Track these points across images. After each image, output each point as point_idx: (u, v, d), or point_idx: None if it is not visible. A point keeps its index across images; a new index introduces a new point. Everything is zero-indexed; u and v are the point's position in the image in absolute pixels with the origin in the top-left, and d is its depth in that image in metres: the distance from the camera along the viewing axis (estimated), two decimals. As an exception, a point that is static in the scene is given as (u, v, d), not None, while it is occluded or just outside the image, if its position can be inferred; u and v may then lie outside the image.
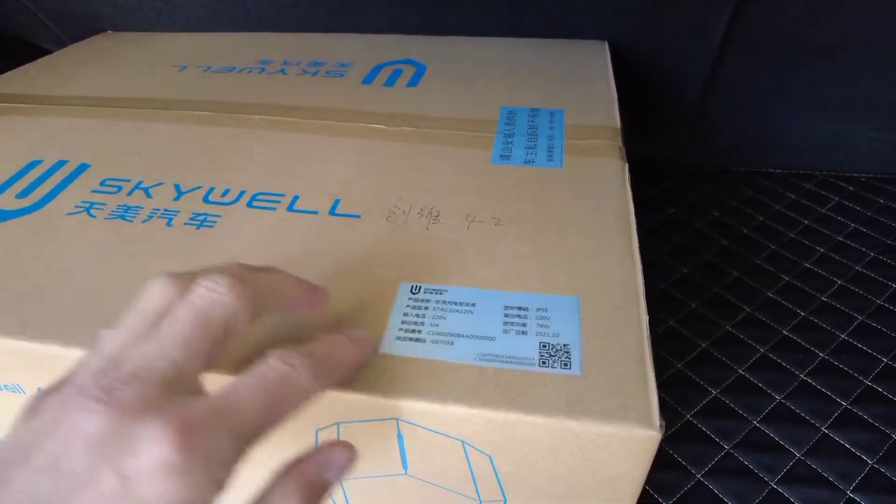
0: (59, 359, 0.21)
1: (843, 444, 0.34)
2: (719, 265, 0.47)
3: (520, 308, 0.21)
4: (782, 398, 0.37)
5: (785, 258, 0.48)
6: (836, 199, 0.54)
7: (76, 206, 0.28)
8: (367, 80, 0.38)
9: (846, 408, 0.36)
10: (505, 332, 0.20)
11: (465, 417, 0.18)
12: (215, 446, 0.13)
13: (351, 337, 0.18)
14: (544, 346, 0.20)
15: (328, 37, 0.46)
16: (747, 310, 0.43)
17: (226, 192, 0.28)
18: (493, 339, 0.20)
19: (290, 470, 0.16)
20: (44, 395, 0.15)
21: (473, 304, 0.21)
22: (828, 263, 0.47)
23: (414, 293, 0.22)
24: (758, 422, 0.35)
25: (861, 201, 0.53)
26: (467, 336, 0.20)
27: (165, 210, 0.27)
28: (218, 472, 0.13)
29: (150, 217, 0.27)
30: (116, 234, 0.26)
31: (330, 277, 0.23)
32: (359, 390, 0.18)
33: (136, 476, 0.12)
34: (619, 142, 0.31)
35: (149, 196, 0.28)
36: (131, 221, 0.27)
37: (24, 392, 0.23)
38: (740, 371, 0.39)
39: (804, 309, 0.43)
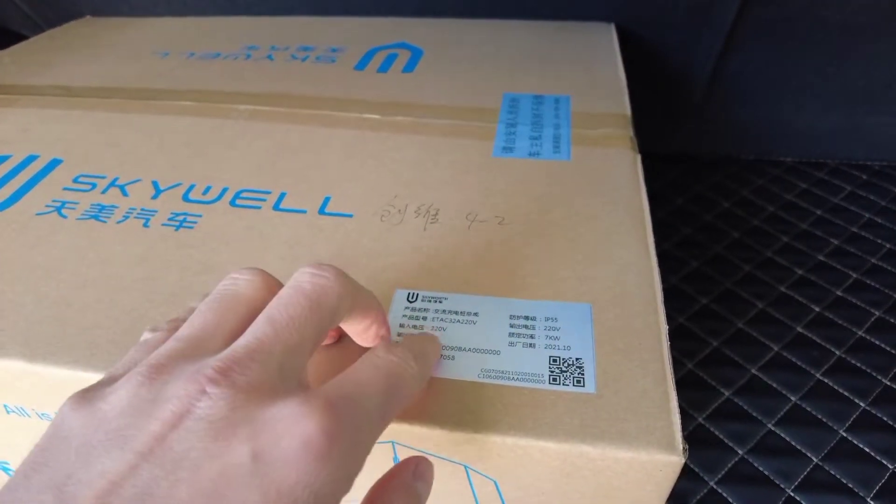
0: (24, 375, 0.19)
1: (863, 448, 0.32)
2: (730, 258, 0.45)
3: (527, 317, 0.19)
4: (798, 399, 0.35)
5: (798, 250, 0.46)
6: (850, 188, 0.52)
7: (46, 206, 0.26)
8: (360, 65, 0.36)
9: (865, 409, 0.34)
10: (511, 344, 0.18)
11: (467, 441, 0.16)
12: (354, 432, 0.12)
13: (429, 334, 0.18)
14: (554, 360, 0.18)
15: (318, 20, 0.43)
16: (760, 306, 0.41)
17: (207, 190, 0.26)
18: (497, 352, 0.18)
19: (391, 480, 0.15)
20: (99, 388, 0.13)
21: (476, 314, 0.19)
22: (842, 256, 0.45)
23: (411, 301, 0.20)
24: (772, 425, 0.34)
25: (875, 190, 0.51)
26: (470, 350, 0.18)
27: (142, 210, 0.25)
28: (356, 460, 0.13)
29: (126, 217, 0.25)
30: (89, 237, 0.24)
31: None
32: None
33: (273, 460, 0.11)
34: (630, 131, 0.29)
35: (125, 194, 0.26)
36: (105, 222, 0.25)
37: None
38: (753, 371, 0.37)
39: (819, 304, 0.41)
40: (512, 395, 0.17)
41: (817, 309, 0.41)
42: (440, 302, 0.20)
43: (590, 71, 0.34)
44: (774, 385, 0.36)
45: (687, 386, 0.36)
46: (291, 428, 0.11)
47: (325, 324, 0.14)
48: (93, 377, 0.18)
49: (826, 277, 0.43)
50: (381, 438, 0.17)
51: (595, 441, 0.16)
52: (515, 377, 0.17)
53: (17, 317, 0.20)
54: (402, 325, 0.19)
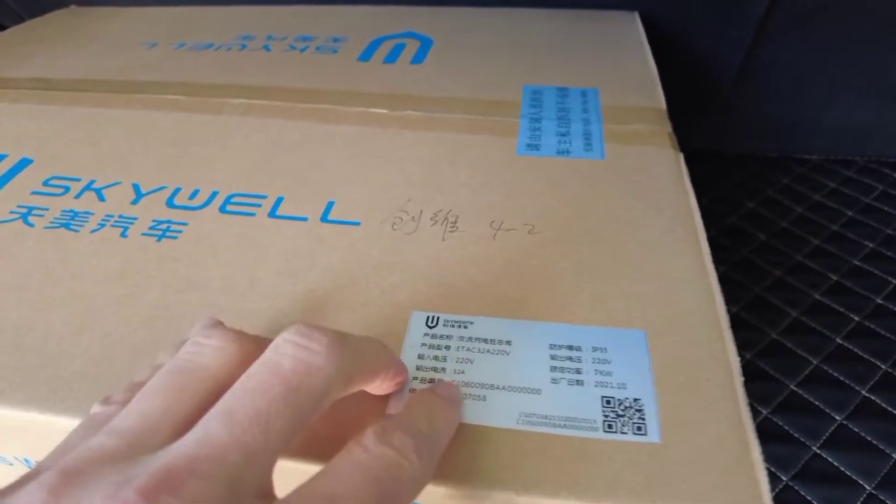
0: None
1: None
2: (759, 263, 0.43)
3: (570, 347, 0.16)
4: (843, 419, 0.32)
5: (830, 254, 0.43)
6: (881, 187, 0.49)
7: (11, 213, 0.23)
8: (364, 56, 0.33)
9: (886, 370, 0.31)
10: (554, 381, 0.15)
11: (506, 505, 0.14)
12: None
13: (445, 396, 0.14)
14: (608, 401, 0.15)
15: (318, 9, 0.40)
16: (793, 314, 0.39)
17: (194, 194, 0.23)
18: (538, 392, 0.15)
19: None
20: (11, 490, 0.10)
21: (509, 342, 0.16)
22: (878, 260, 0.42)
23: (430, 326, 0.17)
24: (818, 448, 0.31)
25: (910, 189, 0.49)
26: (504, 388, 0.15)
27: (120, 217, 0.22)
28: None
29: (102, 226, 0.22)
30: (58, 248, 0.21)
31: (321, 305, 0.18)
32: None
33: None
34: (668, 127, 0.26)
35: (101, 199, 0.23)
36: (77, 231, 0.22)
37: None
38: (792, 387, 0.34)
39: (858, 313, 0.38)
40: (559, 446, 0.14)
41: (857, 318, 0.38)
42: (465, 327, 0.17)
43: (616, 62, 0.31)
44: (816, 402, 0.33)
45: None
46: None
47: (306, 415, 0.11)
48: (52, 420, 0.15)
49: (863, 283, 0.40)
50: None
51: (665, 503, 0.13)
52: (562, 424, 0.14)
53: (-32, 345, 0.17)
54: (420, 357, 0.16)
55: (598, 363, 0.16)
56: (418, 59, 0.32)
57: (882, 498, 0.28)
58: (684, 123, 0.51)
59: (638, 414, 0.15)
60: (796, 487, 0.29)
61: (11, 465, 0.18)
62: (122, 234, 0.21)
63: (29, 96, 0.31)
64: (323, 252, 0.20)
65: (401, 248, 0.20)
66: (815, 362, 0.36)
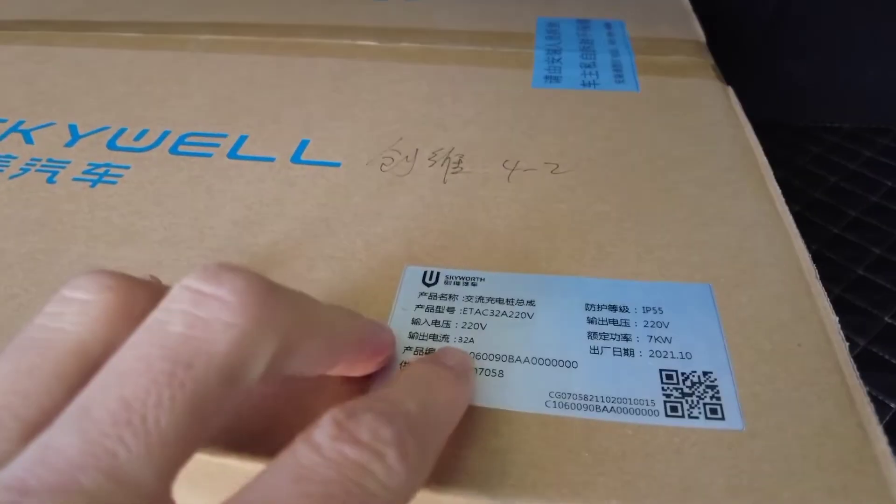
0: None
1: None
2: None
3: (613, 307, 0.12)
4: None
5: (870, 226, 0.39)
6: (921, 155, 0.45)
7: (-81, 158, 0.19)
8: (353, -8, 0.29)
9: None
10: (594, 351, 0.11)
11: (534, 519, 0.10)
12: None
13: (449, 366, 0.10)
14: (669, 376, 0.11)
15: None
16: (836, 291, 0.35)
17: (142, 135, 0.19)
18: (573, 365, 0.11)
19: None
20: None
21: (531, 303, 0.12)
22: (925, 232, 0.38)
23: (429, 283, 0.13)
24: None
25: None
26: (527, 361, 0.11)
27: (49, 161, 0.18)
28: None
29: (25, 171, 0.18)
30: (-32, 197, 0.17)
31: (287, 259, 0.14)
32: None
33: None
34: (710, 59, 0.21)
35: (28, 141, 0.19)
36: (-5, 178, 0.18)
37: None
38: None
39: (906, 289, 0.34)
40: (606, 436, 0.10)
41: (903, 294, 0.34)
42: (474, 284, 0.13)
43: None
44: (868, 388, 0.29)
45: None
46: None
47: (212, 404, 0.07)
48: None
49: (909, 257, 0.36)
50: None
51: (762, 520, 0.09)
52: (609, 407, 0.11)
53: None
54: (415, 323, 0.12)
55: (653, 327, 0.12)
56: (414, -6, 0.28)
57: None
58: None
59: (710, 392, 0.11)
60: None
61: None
62: (49, 180, 0.17)
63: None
64: (293, 197, 0.16)
65: (391, 192, 0.16)
66: (862, 345, 0.32)
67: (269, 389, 0.11)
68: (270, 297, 0.08)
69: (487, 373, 0.11)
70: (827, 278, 0.37)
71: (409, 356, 0.12)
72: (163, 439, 0.07)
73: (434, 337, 0.12)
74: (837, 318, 0.12)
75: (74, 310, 0.08)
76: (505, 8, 0.26)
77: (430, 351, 0.12)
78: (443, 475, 0.10)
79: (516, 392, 0.11)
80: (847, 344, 0.12)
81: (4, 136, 0.19)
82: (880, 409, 0.29)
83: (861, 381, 0.11)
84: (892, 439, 0.10)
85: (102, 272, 0.09)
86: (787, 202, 0.44)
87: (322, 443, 0.07)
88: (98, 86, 0.22)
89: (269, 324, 0.08)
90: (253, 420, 0.10)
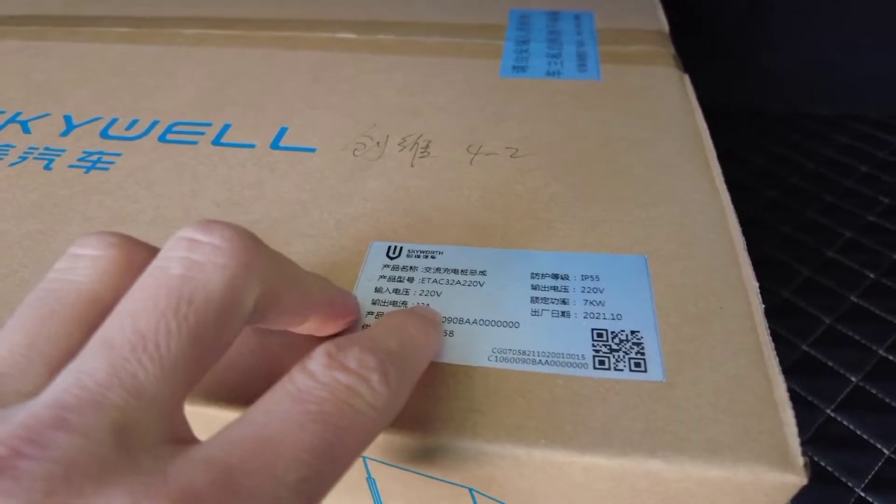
0: None
1: None
2: (768, 221, 0.40)
3: (556, 276, 0.14)
4: (859, 380, 0.30)
5: (844, 210, 0.40)
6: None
7: (-78, 147, 0.20)
8: (335, -14, 0.30)
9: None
10: (535, 313, 0.13)
11: (474, 457, 0.11)
12: None
13: (422, 315, 0.12)
14: (600, 334, 0.12)
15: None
16: (805, 273, 0.36)
17: (132, 124, 0.20)
18: (516, 325, 0.13)
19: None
20: None
21: (483, 272, 0.14)
22: (894, 215, 0.40)
23: (392, 256, 0.14)
24: (831, 411, 0.29)
25: (929, 143, 0.46)
26: (476, 322, 0.13)
27: (46, 149, 0.19)
28: None
29: (23, 159, 0.19)
30: (-30, 183, 0.18)
31: (268, 236, 0.15)
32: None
33: None
34: (671, 48, 0.23)
35: (26, 131, 0.20)
36: (-5, 165, 0.19)
37: None
38: (803, 347, 0.32)
39: (873, 270, 0.36)
40: (540, 386, 0.12)
41: (872, 275, 0.35)
42: (433, 257, 0.14)
43: (614, -13, 0.28)
44: (830, 364, 0.31)
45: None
46: None
47: (211, 332, 0.08)
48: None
49: (879, 239, 0.38)
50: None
51: (669, 453, 0.10)
52: (544, 360, 0.12)
53: None
54: (378, 291, 0.14)
55: (589, 292, 0.13)
56: (394, -13, 0.29)
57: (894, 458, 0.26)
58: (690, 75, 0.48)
59: (636, 348, 0.12)
60: (810, 454, 0.27)
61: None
62: (46, 167, 0.19)
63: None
64: (271, 181, 0.17)
65: (362, 176, 0.17)
66: (828, 322, 0.33)
67: (249, 346, 0.12)
68: (256, 245, 0.09)
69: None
70: (799, 261, 0.38)
71: (371, 320, 0.13)
72: (173, 362, 0.08)
73: (394, 303, 0.13)
74: (758, 285, 0.13)
75: (84, 264, 0.09)
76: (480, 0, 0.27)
77: (390, 316, 0.13)
78: (396, 419, 0.11)
79: (463, 349, 0.12)
80: (763, 307, 0.13)
81: (3, 126, 0.21)
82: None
83: (770, 339, 0.12)
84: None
85: (106, 232, 0.10)
86: (766, 188, 0.45)
87: (316, 370, 0.08)
88: (90, 78, 0.23)
89: (255, 267, 0.09)
90: (234, 376, 0.12)
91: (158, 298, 0.08)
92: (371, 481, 0.12)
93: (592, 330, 0.12)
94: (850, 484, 0.26)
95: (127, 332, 0.08)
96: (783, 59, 0.47)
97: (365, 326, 0.13)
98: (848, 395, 0.29)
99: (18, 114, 0.21)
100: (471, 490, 0.12)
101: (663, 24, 0.24)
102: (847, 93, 0.48)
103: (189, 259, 0.09)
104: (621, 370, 0.12)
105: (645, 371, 0.12)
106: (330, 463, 0.08)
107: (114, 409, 0.07)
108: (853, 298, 0.35)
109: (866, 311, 0.33)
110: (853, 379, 0.30)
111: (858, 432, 0.28)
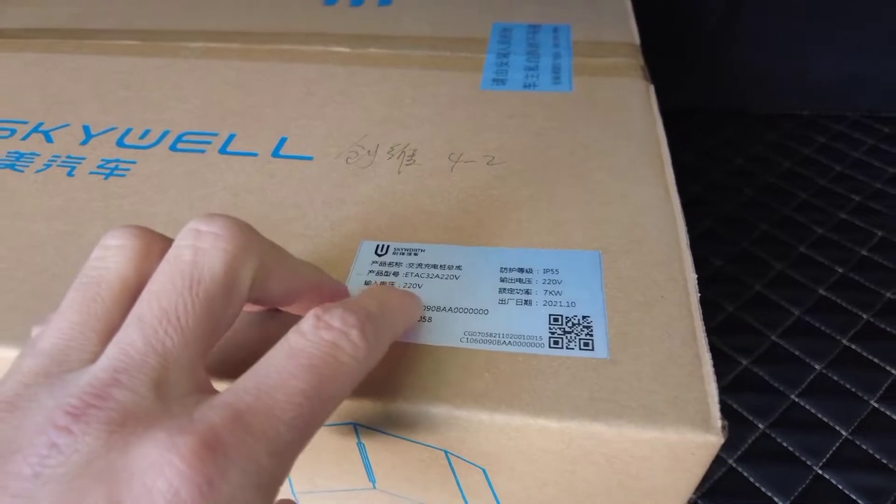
0: None
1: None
2: (745, 217, 0.42)
3: (521, 269, 0.16)
4: (822, 367, 0.32)
5: (817, 208, 0.42)
6: (872, 141, 0.48)
7: (-46, 156, 0.22)
8: (330, 0, 0.31)
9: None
10: (502, 302, 0.15)
11: (446, 422, 0.13)
12: (246, 468, 0.09)
13: (393, 289, 0.14)
14: (556, 319, 0.14)
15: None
16: (778, 267, 0.38)
17: (145, 134, 0.22)
18: (485, 312, 0.15)
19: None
20: None
21: (459, 267, 0.16)
22: (866, 214, 0.42)
23: (380, 254, 0.16)
24: (795, 396, 0.31)
25: (899, 143, 0.48)
26: (451, 309, 0.15)
27: (68, 157, 0.21)
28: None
29: (48, 166, 0.21)
30: (1, 188, 0.20)
31: (269, 236, 0.17)
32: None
33: None
34: (641, 60, 0.24)
35: (49, 140, 0.22)
36: (22, 172, 0.21)
37: None
38: (773, 338, 0.34)
39: (843, 265, 0.38)
40: (503, 362, 0.14)
41: (841, 270, 0.37)
42: (415, 254, 0.16)
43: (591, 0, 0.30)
44: (797, 352, 0.33)
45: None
46: (157, 481, 0.08)
47: (219, 305, 0.11)
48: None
49: (849, 237, 0.40)
50: (338, 419, 0.14)
51: (610, 418, 0.12)
52: (507, 341, 0.14)
53: None
54: (367, 284, 0.16)
55: (549, 283, 0.15)
56: (385, 0, 0.31)
57: (858, 444, 0.28)
58: (665, 77, 0.50)
59: (586, 330, 0.14)
60: (773, 435, 0.29)
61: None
62: (69, 174, 0.21)
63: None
64: (272, 186, 0.19)
65: (354, 181, 0.19)
66: (797, 314, 0.35)
67: (256, 333, 0.14)
68: (250, 232, 0.11)
69: (420, 319, 0.15)
70: (774, 257, 0.41)
71: (361, 309, 0.15)
72: (193, 332, 0.10)
73: (381, 294, 0.15)
74: (696, 276, 0.15)
75: (113, 253, 0.12)
76: (466, 13, 0.29)
77: (377, 305, 0.15)
78: (379, 389, 0.13)
79: (439, 332, 0.14)
80: (699, 295, 0.15)
81: (27, 136, 0.22)
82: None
83: (703, 323, 0.14)
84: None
85: (131, 225, 0.12)
86: (742, 187, 0.47)
87: (306, 330, 0.11)
88: (102, 91, 0.25)
89: (249, 249, 0.11)
90: (244, 355, 0.14)
91: (175, 280, 0.10)
92: (361, 446, 0.14)
93: (550, 315, 0.14)
94: (809, 462, 0.28)
95: (154, 310, 0.10)
96: (762, 60, 0.49)
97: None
98: (812, 380, 0.31)
99: (41, 124, 0.23)
100: (446, 452, 0.14)
101: (634, 35, 0.26)
102: (827, 93, 0.50)
103: (196, 246, 0.11)
104: (572, 349, 0.14)
105: (592, 350, 0.14)
106: (319, 403, 0.10)
107: (152, 370, 0.10)
108: (822, 292, 0.37)
109: (834, 305, 0.35)
110: (817, 367, 0.32)
111: (820, 415, 0.30)
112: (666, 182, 0.18)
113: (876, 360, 0.32)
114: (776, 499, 0.26)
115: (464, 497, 0.16)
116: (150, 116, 0.23)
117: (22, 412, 0.09)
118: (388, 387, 0.13)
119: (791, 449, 0.28)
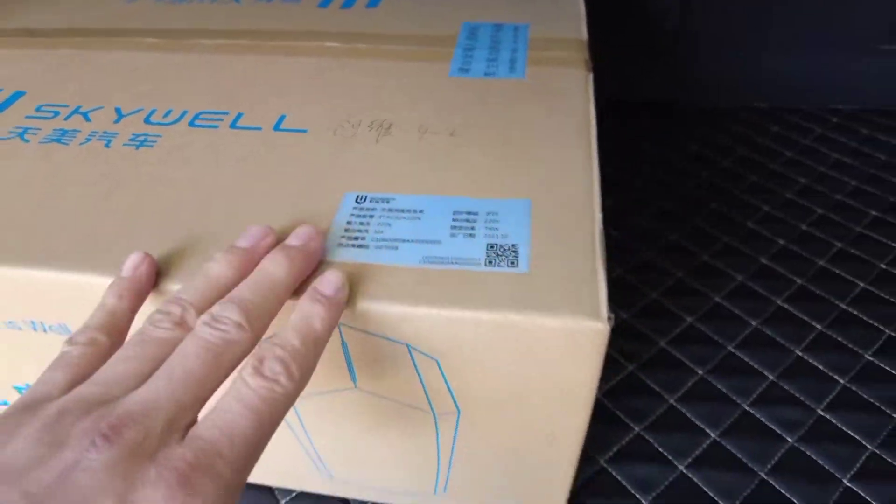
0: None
1: (843, 430, 0.30)
2: (700, 197, 0.46)
3: (469, 213, 0.20)
4: (758, 324, 0.36)
5: (767, 189, 0.47)
6: (820, 130, 0.53)
7: (9, 132, 0.26)
8: (324, 3, 0.36)
9: (821, 331, 0.35)
10: (452, 235, 0.19)
11: (406, 318, 0.17)
12: (215, 480, 0.13)
13: (326, 294, 0.17)
14: (492, 247, 0.19)
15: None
16: (725, 240, 0.42)
17: (168, 114, 0.27)
18: (439, 242, 0.19)
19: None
20: (17, 415, 0.14)
21: (421, 211, 0.20)
22: (809, 195, 0.46)
23: (359, 202, 0.21)
24: (733, 347, 0.35)
25: (846, 133, 0.52)
26: (412, 241, 0.19)
27: (104, 132, 0.26)
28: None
29: (89, 140, 0.25)
30: (51, 158, 0.24)
31: (272, 191, 0.22)
32: (294, 295, 0.17)
33: None
34: (585, 54, 0.29)
35: (87, 120, 0.27)
36: (67, 145, 0.25)
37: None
38: (717, 299, 0.38)
39: (785, 238, 0.42)
40: (449, 276, 0.18)
41: (782, 242, 0.42)
42: (387, 202, 0.21)
43: (552, 3, 0.34)
44: (737, 311, 0.37)
45: (652, 314, 0.37)
46: (151, 493, 0.13)
47: (224, 374, 0.15)
48: (50, 276, 0.19)
49: (794, 214, 0.44)
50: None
51: (523, 310, 0.17)
52: (454, 262, 0.18)
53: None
54: (349, 224, 0.20)
55: (489, 223, 0.20)
56: (373, 3, 0.35)
57: (782, 385, 0.32)
58: (628, 74, 0.54)
59: (514, 254, 0.18)
60: (724, 443, 0.30)
61: (20, 329, 0.22)
62: (107, 146, 0.25)
63: (14, 43, 0.34)
64: (273, 154, 0.24)
65: (341, 149, 0.24)
66: (739, 279, 0.40)
67: None
68: (253, 320, 0.16)
69: (388, 248, 0.19)
70: (723, 231, 0.44)
71: (344, 240, 0.19)
72: (204, 391, 0.15)
73: (359, 231, 0.20)
74: (602, 216, 0.20)
75: (168, 326, 0.16)
76: (441, 14, 0.33)
77: (356, 238, 0.19)
78: (358, 295, 0.17)
79: (403, 256, 0.19)
80: (601, 228, 0.19)
81: (69, 116, 0.27)
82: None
83: (603, 247, 0.19)
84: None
85: (182, 304, 0.16)
86: (700, 170, 0.50)
87: (249, 380, 0.15)
88: (129, 81, 0.29)
89: (254, 340, 0.16)
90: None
91: (201, 353, 0.15)
92: (344, 345, 0.19)
93: (487, 244, 0.19)
94: (754, 468, 0.29)
95: (181, 370, 0.15)
96: (718, 56, 0.53)
97: (332, 264, 0.19)
98: (748, 334, 0.36)
99: (79, 107, 0.28)
100: (408, 346, 0.18)
101: (583, 33, 0.31)
102: (784, 88, 0.55)
103: (214, 335, 0.15)
104: (502, 266, 0.18)
105: (516, 266, 0.18)
106: (262, 429, 0.14)
107: (166, 412, 0.14)
108: (764, 261, 0.41)
109: (775, 272, 0.39)
110: (753, 322, 0.36)
111: (769, 424, 0.30)
112: (590, 147, 0.23)
113: (805, 318, 0.36)
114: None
115: (426, 392, 0.20)
116: (171, 100, 0.28)
117: (76, 417, 0.14)
118: (365, 291, 0.18)
119: (739, 455, 0.29)
